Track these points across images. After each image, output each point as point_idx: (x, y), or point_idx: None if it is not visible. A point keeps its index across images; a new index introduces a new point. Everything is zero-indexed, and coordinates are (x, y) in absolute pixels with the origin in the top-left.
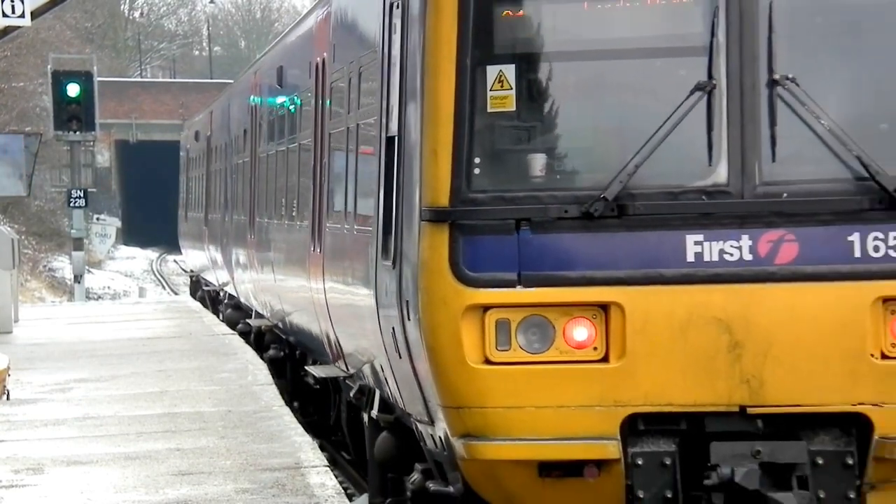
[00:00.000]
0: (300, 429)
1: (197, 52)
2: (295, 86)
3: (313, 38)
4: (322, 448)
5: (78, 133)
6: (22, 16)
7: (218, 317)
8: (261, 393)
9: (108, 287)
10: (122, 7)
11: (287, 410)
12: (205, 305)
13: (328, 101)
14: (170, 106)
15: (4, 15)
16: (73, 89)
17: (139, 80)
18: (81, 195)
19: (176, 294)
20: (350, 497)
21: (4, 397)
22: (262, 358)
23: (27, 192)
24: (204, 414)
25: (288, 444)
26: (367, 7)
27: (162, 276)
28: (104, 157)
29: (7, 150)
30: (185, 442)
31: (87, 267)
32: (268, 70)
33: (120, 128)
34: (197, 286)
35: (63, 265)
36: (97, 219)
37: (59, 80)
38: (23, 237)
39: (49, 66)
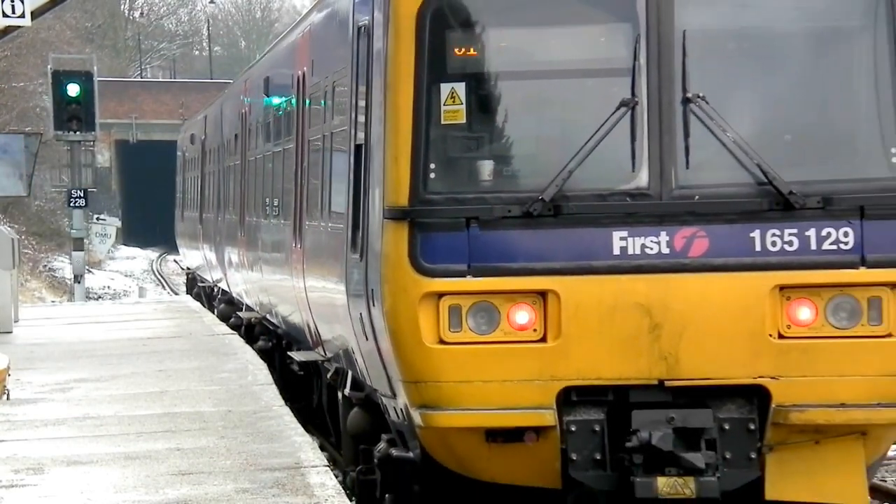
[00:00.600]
0: (300, 429)
1: (197, 52)
2: (280, 95)
3: (295, 52)
4: (322, 448)
5: (78, 133)
6: (22, 16)
7: (212, 311)
8: (261, 393)
9: (108, 287)
10: (122, 7)
11: (287, 410)
12: (200, 301)
13: (307, 111)
14: (170, 106)
15: (4, 15)
16: (73, 89)
17: (139, 80)
18: (81, 195)
19: (176, 294)
20: (350, 497)
21: (4, 397)
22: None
23: (27, 192)
24: (204, 414)
25: (288, 444)
26: (340, 29)
27: (162, 276)
28: (104, 157)
29: (7, 150)
30: (185, 442)
31: (87, 267)
32: (256, 79)
33: (120, 128)
34: (193, 283)
35: (63, 265)
36: (97, 219)
37: (59, 80)
38: (23, 237)
39: (49, 66)
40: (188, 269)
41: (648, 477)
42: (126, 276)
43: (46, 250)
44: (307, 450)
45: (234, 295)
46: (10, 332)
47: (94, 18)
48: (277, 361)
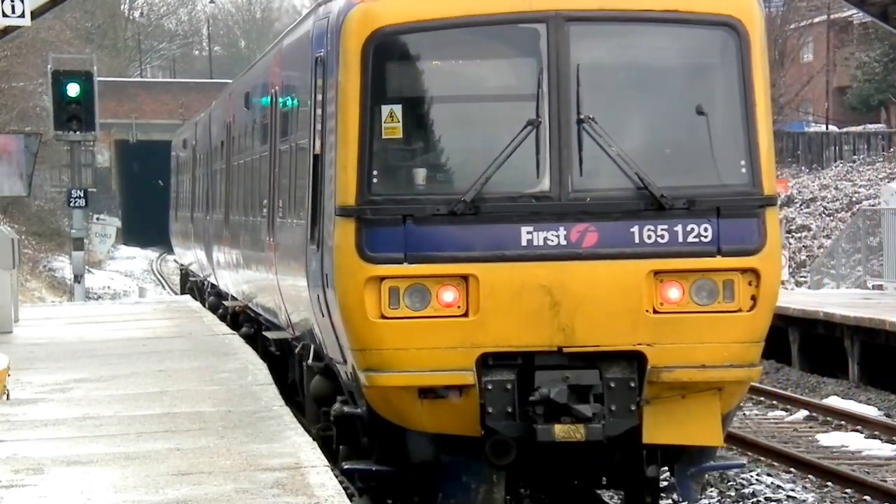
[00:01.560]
0: (300, 429)
1: (197, 52)
2: (259, 108)
3: (269, 72)
4: (322, 448)
5: (78, 133)
6: (22, 16)
7: (204, 304)
8: (261, 393)
9: (108, 287)
10: (122, 7)
11: (287, 411)
12: (193, 295)
13: (278, 125)
14: (170, 106)
15: (4, 15)
16: (73, 89)
17: (139, 80)
18: (81, 195)
19: (176, 294)
20: (350, 497)
21: (4, 397)
22: (240, 334)
23: (27, 192)
24: (204, 414)
25: (288, 444)
26: (302, 57)
27: (162, 276)
28: (104, 157)
29: (7, 150)
30: (185, 442)
31: (87, 267)
32: (239, 93)
33: (120, 128)
34: (186, 278)
35: (63, 265)
36: (97, 219)
37: (59, 80)
38: (23, 237)
39: (49, 66)
40: (182, 265)
41: (548, 424)
42: (126, 276)
43: (46, 250)
44: (307, 450)
45: (222, 287)
46: (10, 332)
47: (94, 18)
48: (260, 347)
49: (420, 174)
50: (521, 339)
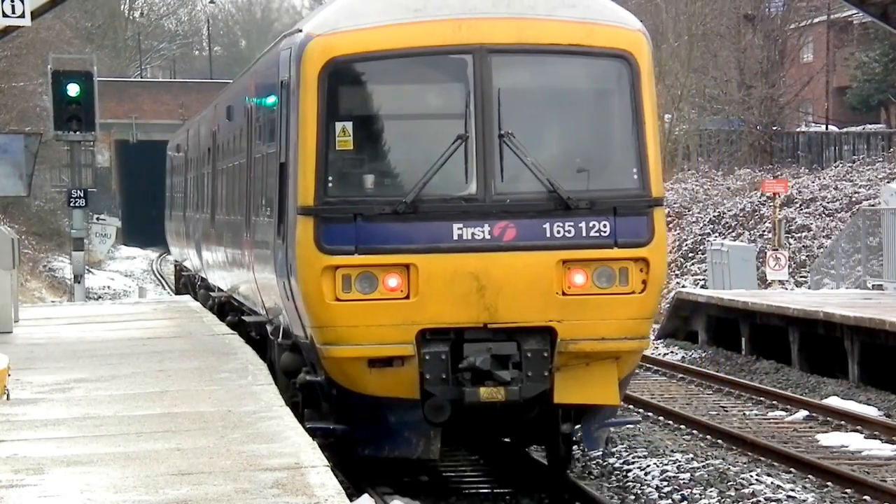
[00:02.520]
0: (300, 429)
1: (197, 52)
2: (238, 120)
3: (246, 89)
4: (322, 448)
5: (78, 133)
6: (22, 16)
7: (195, 297)
8: (261, 393)
9: (108, 287)
10: (122, 7)
11: (287, 411)
12: (186, 290)
13: (253, 135)
14: (170, 106)
15: (4, 15)
16: (73, 89)
17: (139, 80)
18: (81, 195)
19: (176, 294)
20: (350, 497)
21: (4, 397)
22: (225, 323)
23: (27, 192)
24: (204, 414)
25: (288, 444)
26: (271, 79)
27: (162, 276)
28: (104, 157)
29: (7, 150)
30: (185, 442)
31: (87, 267)
32: (223, 106)
33: (120, 128)
34: (180, 274)
35: (63, 265)
36: (97, 219)
37: (59, 80)
38: (23, 237)
39: (49, 66)
40: (176, 261)
41: (474, 388)
42: (126, 276)
43: (46, 250)
44: (307, 450)
45: (210, 281)
46: (10, 332)
47: (94, 18)
48: (243, 334)
49: (368, 180)
50: (453, 317)
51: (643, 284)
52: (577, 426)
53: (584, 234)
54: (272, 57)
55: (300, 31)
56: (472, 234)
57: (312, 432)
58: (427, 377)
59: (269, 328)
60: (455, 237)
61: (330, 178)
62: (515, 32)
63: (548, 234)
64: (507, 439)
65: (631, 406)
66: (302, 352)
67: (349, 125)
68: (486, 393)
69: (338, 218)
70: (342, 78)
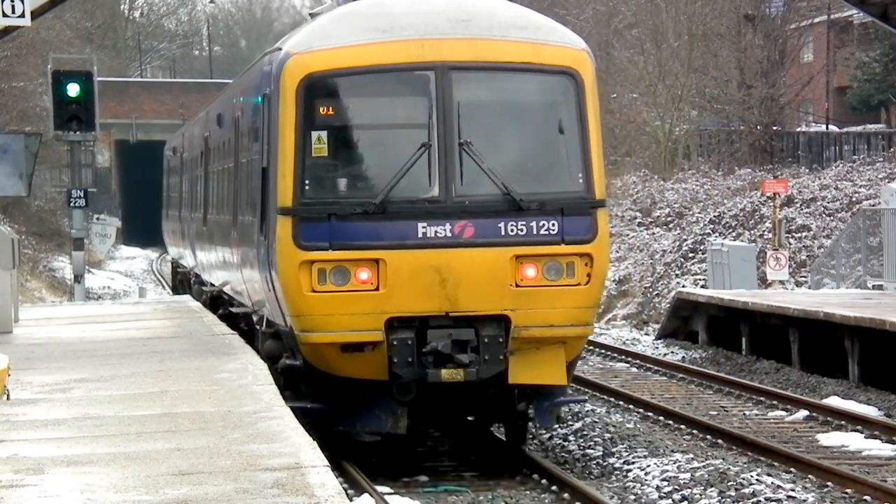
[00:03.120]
0: (300, 429)
1: (197, 52)
2: (227, 128)
3: (234, 99)
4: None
5: (78, 133)
6: (22, 16)
7: (190, 293)
8: (261, 393)
9: (108, 287)
10: (122, 7)
11: (288, 411)
12: (183, 286)
13: (240, 142)
14: (170, 106)
15: (4, 15)
16: (73, 89)
17: (139, 80)
18: (81, 195)
19: (173, 290)
20: (350, 497)
21: (4, 397)
22: (219, 317)
23: (27, 192)
24: (204, 414)
25: (288, 444)
26: (255, 91)
27: (162, 276)
28: (104, 157)
29: (7, 150)
30: (185, 442)
31: (87, 267)
32: (213, 113)
33: (120, 128)
34: (176, 271)
35: (63, 265)
36: (97, 219)
37: (59, 80)
38: (23, 237)
39: (49, 66)
40: (173, 259)
41: (436, 369)
42: (126, 276)
43: (46, 250)
44: (307, 450)
45: (203, 276)
46: (10, 332)
47: (94, 18)
48: (236, 324)
49: (341, 183)
50: (417, 306)
51: (588, 277)
52: (531, 405)
53: (534, 232)
54: (256, 72)
55: (280, 49)
56: (435, 232)
57: (293, 412)
58: (394, 360)
59: (254, 318)
60: (419, 235)
61: (307, 182)
62: (473, 52)
63: (502, 233)
64: (470, 418)
65: (631, 406)
66: (283, 339)
67: (324, 134)
68: (447, 374)
69: (314, 217)
70: (317, 92)
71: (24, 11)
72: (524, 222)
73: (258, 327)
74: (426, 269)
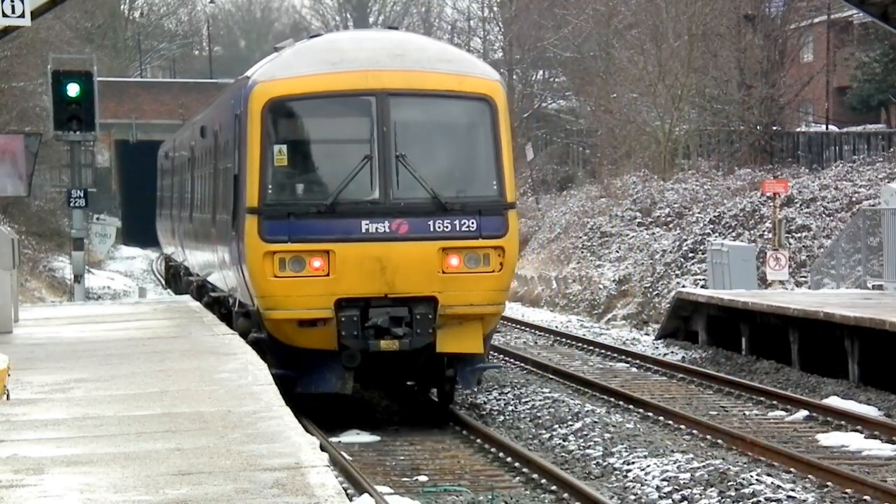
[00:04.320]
0: (300, 429)
1: (197, 52)
2: (208, 139)
3: (213, 115)
4: (322, 448)
5: (78, 133)
6: (22, 16)
7: (179, 283)
8: (261, 393)
9: (108, 287)
10: (122, 7)
11: (288, 411)
12: (175, 280)
13: (218, 152)
14: (170, 106)
15: (4, 15)
16: (73, 89)
17: (139, 80)
18: (81, 195)
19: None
20: (350, 497)
21: (4, 397)
22: (202, 302)
23: (27, 192)
24: (204, 414)
25: (288, 444)
26: (229, 111)
27: (162, 276)
28: (104, 157)
29: (7, 150)
30: (185, 442)
31: (87, 267)
32: (199, 125)
33: (120, 128)
34: (168, 265)
35: (63, 265)
36: (97, 219)
37: (59, 80)
38: (23, 237)
39: (49, 66)
40: (165, 254)
41: (376, 340)
42: (126, 276)
43: (46, 250)
44: (307, 450)
45: (191, 269)
46: (10, 332)
47: (94, 18)
48: (217, 309)
49: (299, 188)
50: (362, 289)
51: (500, 265)
52: (456, 370)
53: (457, 229)
54: (230, 94)
55: (248, 77)
56: (376, 228)
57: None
58: (342, 333)
59: (230, 301)
60: (363, 230)
61: (270, 187)
62: (407, 81)
63: (431, 229)
64: (410, 383)
65: (631, 406)
66: (251, 317)
67: (284, 147)
68: (385, 344)
69: (275, 216)
70: (278, 113)
71: (24, 11)
72: (448, 221)
73: (233, 308)
74: (368, 258)
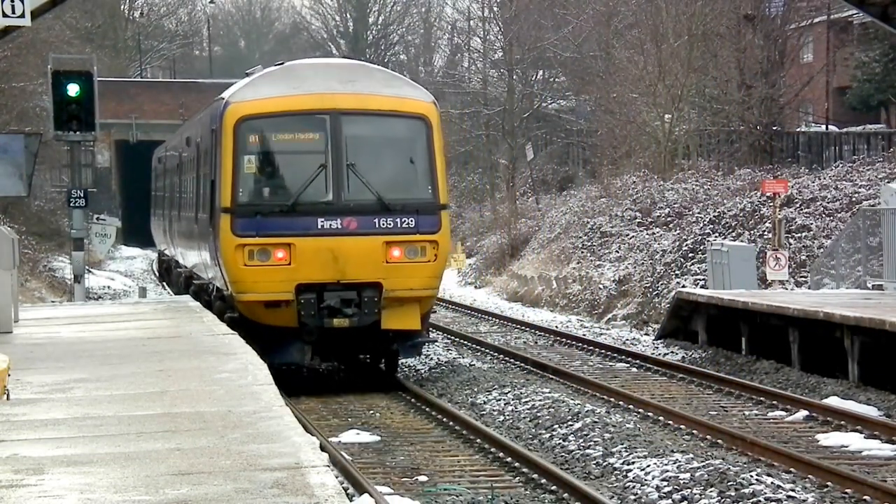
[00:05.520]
0: (300, 429)
1: (197, 52)
2: (192, 148)
3: (196, 128)
4: (322, 448)
5: (78, 133)
6: (22, 16)
7: (170, 274)
8: (261, 393)
9: (108, 287)
10: (122, 7)
11: (287, 411)
12: (168, 273)
13: (200, 160)
14: (170, 106)
15: (4, 15)
16: (73, 89)
17: (139, 80)
18: (81, 195)
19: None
20: (350, 497)
21: (4, 397)
22: (189, 292)
23: (27, 192)
24: (204, 414)
25: (288, 444)
26: (208, 126)
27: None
28: (104, 157)
29: (7, 150)
30: (185, 442)
31: (87, 267)
32: (186, 134)
33: (120, 128)
34: (161, 260)
35: (63, 265)
36: (97, 219)
37: (59, 80)
38: (23, 237)
39: (49, 66)
40: (159, 250)
41: (330, 319)
42: (126, 276)
43: (46, 250)
44: (307, 450)
45: (180, 261)
46: (10, 332)
47: (94, 18)
48: (203, 297)
49: (265, 191)
50: (318, 276)
51: (435, 256)
52: (398, 345)
53: (398, 225)
54: (209, 112)
55: (223, 98)
56: (330, 225)
57: None
58: (301, 313)
59: (210, 287)
60: (319, 227)
61: (240, 191)
62: (356, 103)
63: (377, 226)
64: (363, 356)
65: (631, 406)
66: (226, 300)
67: (253, 157)
68: (337, 322)
69: (245, 215)
70: (248, 129)
71: (24, 11)
72: (391, 219)
73: (213, 294)
74: (323, 250)
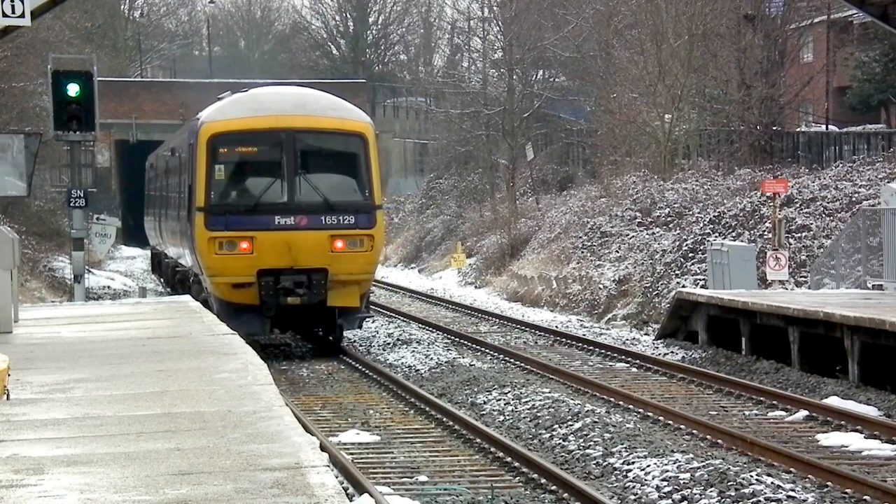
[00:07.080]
0: (300, 429)
1: (197, 52)
2: (175, 157)
3: (180, 140)
4: (322, 448)
5: (78, 133)
6: (22, 16)
7: (161, 266)
8: (261, 393)
9: (108, 287)
10: (122, 7)
11: (287, 411)
12: (159, 266)
13: (184, 168)
14: (170, 106)
15: (4, 15)
16: (73, 89)
17: (139, 80)
18: (81, 195)
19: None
20: (350, 497)
21: (4, 397)
22: (174, 279)
23: (27, 192)
24: (204, 414)
25: (288, 444)
26: (187, 140)
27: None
28: (104, 157)
29: (7, 150)
30: (185, 442)
31: (87, 267)
32: (172, 145)
33: (120, 128)
34: (153, 254)
35: (63, 265)
36: (97, 219)
37: (59, 80)
38: (23, 237)
39: (49, 66)
40: (151, 245)
41: (285, 297)
42: (126, 276)
43: (46, 250)
44: (307, 450)
45: (168, 254)
46: (10, 332)
47: (94, 18)
48: (188, 284)
49: (233, 194)
50: (275, 263)
51: (371, 247)
52: (342, 319)
53: (341, 222)
54: (188, 128)
55: (199, 118)
56: (285, 221)
57: None
58: (262, 293)
59: (189, 274)
60: (276, 223)
61: (213, 193)
62: (307, 122)
63: (324, 222)
64: (316, 330)
65: (631, 406)
66: (201, 283)
67: (222, 167)
68: (291, 300)
69: (217, 213)
70: (219, 144)
71: (24, 11)
72: (335, 217)
73: (191, 279)
74: (280, 242)
